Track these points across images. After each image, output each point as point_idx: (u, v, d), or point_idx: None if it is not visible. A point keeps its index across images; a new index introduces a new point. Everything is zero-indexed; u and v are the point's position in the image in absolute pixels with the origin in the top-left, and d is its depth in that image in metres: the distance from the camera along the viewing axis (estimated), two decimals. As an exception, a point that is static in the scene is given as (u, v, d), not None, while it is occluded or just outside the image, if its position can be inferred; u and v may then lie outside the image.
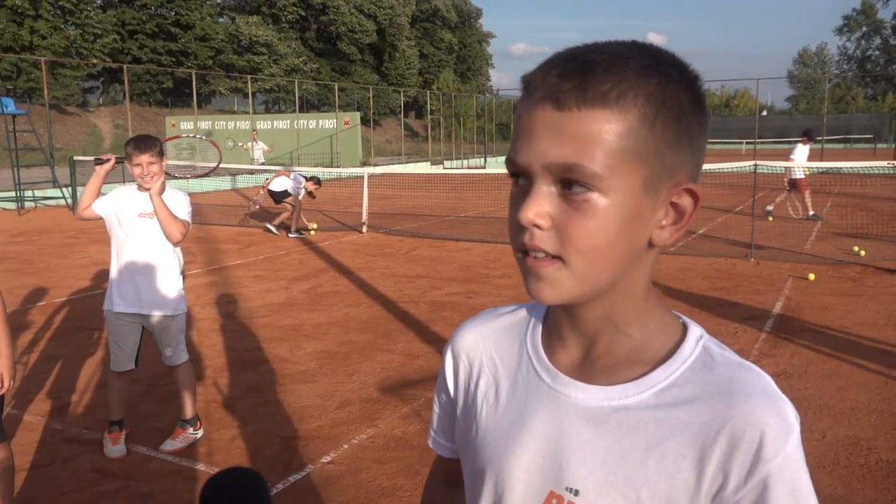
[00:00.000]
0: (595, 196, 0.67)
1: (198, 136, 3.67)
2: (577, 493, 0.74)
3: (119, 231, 3.76)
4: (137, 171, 3.64)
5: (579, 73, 0.67)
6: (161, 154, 3.73)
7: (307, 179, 11.83)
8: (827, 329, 5.92)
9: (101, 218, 3.80)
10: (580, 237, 0.68)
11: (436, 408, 0.97)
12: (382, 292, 7.49)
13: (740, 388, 0.71)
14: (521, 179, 0.71)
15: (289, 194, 11.75)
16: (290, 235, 11.68)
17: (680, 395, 0.72)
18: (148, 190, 3.67)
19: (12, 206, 16.05)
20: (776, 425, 0.68)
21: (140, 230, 3.75)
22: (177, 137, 3.93)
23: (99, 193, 3.81)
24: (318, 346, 5.63)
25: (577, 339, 0.78)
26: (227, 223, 13.45)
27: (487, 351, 0.87)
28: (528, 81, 0.71)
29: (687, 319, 0.79)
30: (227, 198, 18.97)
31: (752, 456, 0.68)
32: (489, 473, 0.81)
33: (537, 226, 0.69)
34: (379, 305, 6.94)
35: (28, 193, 16.60)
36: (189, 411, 3.93)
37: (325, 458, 3.72)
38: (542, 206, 0.68)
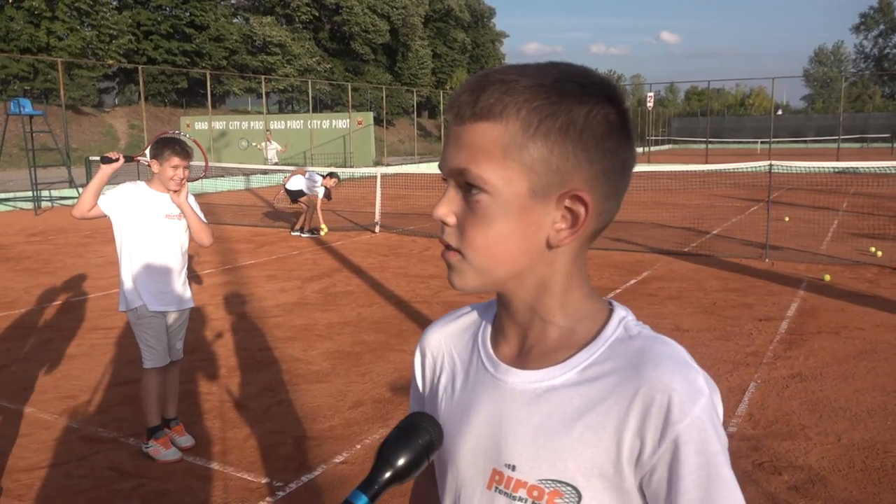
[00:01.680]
0: (485, 197, 0.76)
1: (177, 132, 3.62)
2: (514, 468, 0.81)
3: (141, 231, 3.76)
4: (171, 173, 3.65)
5: (475, 91, 0.76)
6: (190, 157, 3.77)
7: (324, 177, 11.69)
8: (843, 331, 5.86)
9: (105, 216, 3.78)
10: (473, 234, 0.78)
11: (412, 402, 1.05)
12: (395, 292, 7.50)
13: (650, 357, 0.76)
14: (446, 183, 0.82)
15: (304, 193, 11.71)
16: (302, 235, 11.72)
17: (600, 371, 0.79)
18: (173, 192, 3.70)
19: (29, 206, 16.21)
20: (682, 390, 0.73)
21: (168, 232, 3.79)
22: (163, 134, 3.90)
23: (100, 193, 3.80)
24: (331, 346, 5.65)
25: (514, 331, 0.86)
26: (241, 223, 13.52)
27: (448, 348, 0.95)
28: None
29: (617, 305, 0.85)
30: (241, 198, 19.07)
31: (662, 420, 0.73)
32: (446, 458, 0.89)
33: (445, 223, 0.80)
34: (392, 305, 6.96)
35: (45, 193, 16.76)
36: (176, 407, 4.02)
37: (338, 458, 3.73)
38: (449, 206, 0.79)
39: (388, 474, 0.76)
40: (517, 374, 0.83)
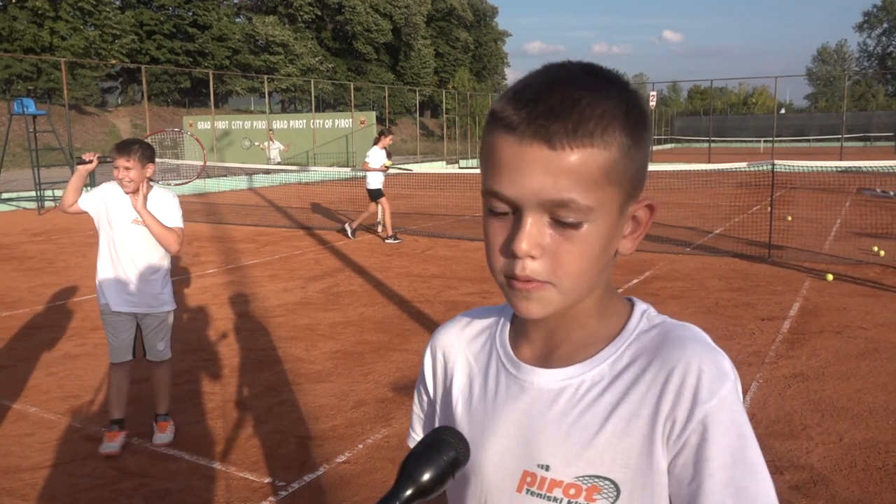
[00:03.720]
0: (587, 226, 0.73)
1: (179, 131, 3.66)
2: (547, 468, 0.80)
3: (110, 233, 3.83)
4: (116, 174, 3.69)
5: (565, 113, 0.70)
6: (144, 159, 3.70)
7: (377, 139, 10.85)
8: (845, 330, 5.86)
9: (87, 212, 3.87)
10: (572, 262, 0.74)
11: (416, 408, 1.02)
12: (398, 292, 7.51)
13: (676, 341, 0.77)
14: (506, 209, 0.75)
15: (382, 192, 10.98)
16: (349, 234, 11.22)
17: (628, 362, 0.79)
18: (131, 195, 3.70)
19: (33, 205, 16.25)
20: (710, 371, 0.74)
21: (134, 237, 3.81)
22: (160, 132, 3.92)
23: (81, 190, 3.87)
24: (334, 346, 5.66)
25: (540, 333, 0.85)
26: (244, 223, 13.54)
27: (462, 351, 0.94)
28: (510, 118, 0.73)
29: (637, 300, 0.86)
30: (244, 197, 19.09)
31: (691, 400, 0.73)
32: (468, 467, 0.85)
33: (532, 256, 0.73)
34: (394, 305, 6.97)
35: (48, 193, 16.78)
36: (167, 405, 4.04)
37: (340, 458, 3.74)
38: (533, 238, 0.73)
39: (410, 490, 0.72)
40: (543, 374, 0.83)
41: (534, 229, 0.73)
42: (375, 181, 10.84)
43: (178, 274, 8.59)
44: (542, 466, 0.80)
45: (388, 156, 10.93)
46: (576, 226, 0.73)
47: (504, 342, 0.89)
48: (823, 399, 4.40)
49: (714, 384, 0.73)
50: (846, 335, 5.73)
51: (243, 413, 4.36)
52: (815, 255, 9.10)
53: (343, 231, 11.45)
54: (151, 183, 3.84)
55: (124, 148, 3.69)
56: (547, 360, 0.84)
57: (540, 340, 0.85)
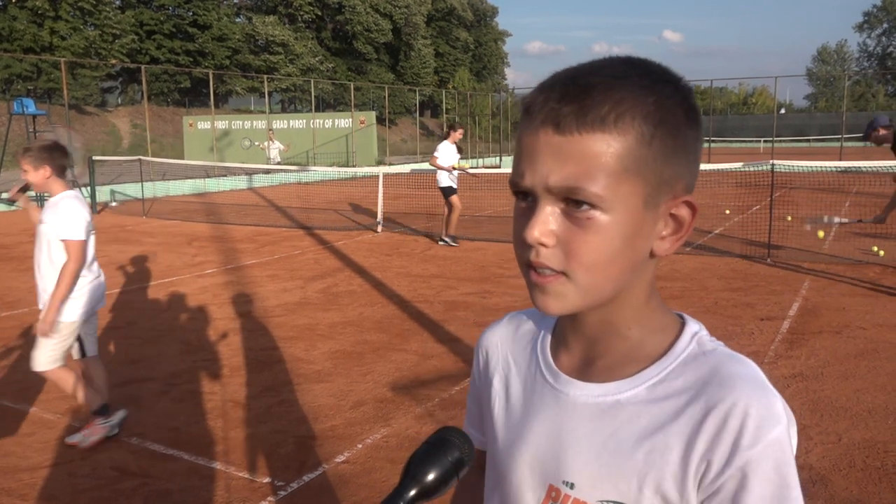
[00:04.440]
0: (598, 214, 0.70)
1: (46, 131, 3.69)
2: (572, 486, 0.77)
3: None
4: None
5: (578, 97, 0.69)
6: (37, 162, 3.69)
7: (446, 134, 10.17)
8: (844, 330, 5.86)
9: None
10: (585, 253, 0.71)
11: (469, 400, 1.03)
12: (397, 292, 7.51)
13: (726, 377, 0.72)
14: (526, 198, 0.74)
15: (454, 190, 10.30)
16: (449, 243, 10.38)
17: (671, 389, 0.74)
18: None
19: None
20: (758, 414, 0.69)
21: (41, 238, 3.82)
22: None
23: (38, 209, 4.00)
24: (333, 346, 5.66)
25: (579, 342, 0.82)
26: (244, 223, 13.54)
27: (504, 352, 0.92)
28: (529, 104, 0.73)
29: (689, 318, 0.82)
30: (244, 197, 19.09)
31: (731, 444, 0.69)
32: (498, 467, 0.86)
33: (542, 244, 0.71)
34: (393, 305, 6.97)
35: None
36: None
37: (340, 458, 3.74)
38: (546, 226, 0.71)
39: (413, 491, 0.71)
40: (581, 387, 0.79)
41: (546, 217, 0.71)
42: (445, 178, 10.23)
43: (178, 274, 8.59)
44: (567, 483, 0.77)
45: (459, 150, 10.33)
46: (588, 213, 0.70)
47: (545, 348, 0.87)
48: (822, 399, 4.40)
49: (761, 429, 0.68)
50: (845, 335, 5.73)
51: (243, 413, 4.36)
52: (815, 255, 9.10)
53: (444, 243, 10.44)
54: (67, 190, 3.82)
55: (22, 152, 3.73)
56: (585, 371, 0.81)
57: (579, 350, 0.82)
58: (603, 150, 0.69)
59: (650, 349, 0.78)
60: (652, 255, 0.75)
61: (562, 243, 0.71)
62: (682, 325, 0.80)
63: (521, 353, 0.90)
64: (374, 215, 12.47)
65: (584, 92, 0.69)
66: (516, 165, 0.74)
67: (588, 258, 0.71)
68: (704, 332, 0.79)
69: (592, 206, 0.69)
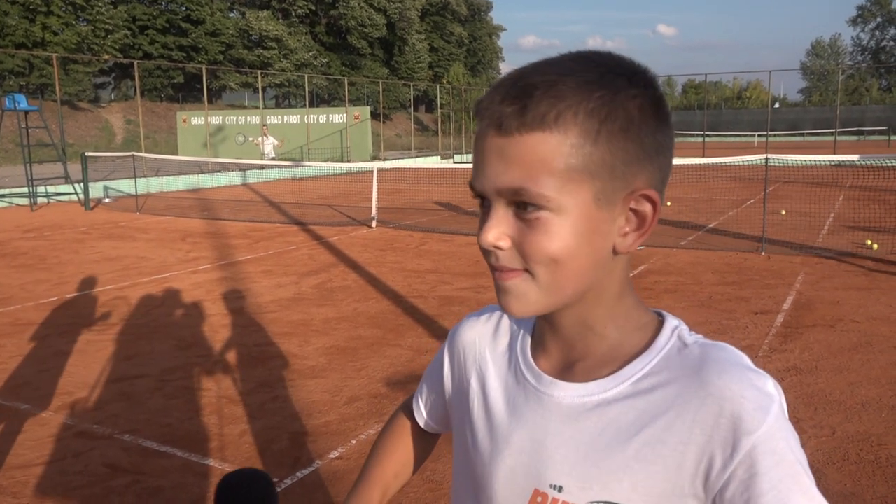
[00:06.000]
0: (546, 214, 0.69)
1: None
2: (560, 489, 0.75)
3: None
4: None
5: (519, 97, 0.68)
6: None
7: None
8: (838, 324, 5.87)
9: None
10: (539, 252, 0.70)
11: (424, 385, 1.02)
12: (391, 287, 7.50)
13: (713, 365, 0.71)
14: (483, 201, 0.73)
15: None
16: None
17: (656, 382, 0.73)
18: None
19: (25, 201, 16.17)
20: (753, 397, 0.68)
21: None
22: None
23: None
24: (327, 342, 5.65)
25: (557, 344, 0.80)
26: (238, 218, 13.50)
27: (481, 350, 0.90)
28: (478, 106, 0.72)
29: (668, 315, 0.80)
30: (238, 193, 19.04)
31: (733, 431, 0.67)
32: (477, 471, 0.83)
33: (498, 247, 0.71)
34: (388, 300, 6.95)
35: (41, 189, 16.71)
36: None
37: (334, 454, 3.73)
38: (499, 228, 0.71)
39: None
40: (564, 388, 0.77)
41: (499, 220, 0.71)
42: None
43: (171, 270, 8.56)
44: (554, 487, 0.75)
45: None
46: (536, 213, 0.69)
47: (525, 348, 0.84)
48: (816, 392, 4.41)
49: (759, 411, 0.67)
50: (839, 329, 5.74)
51: (236, 409, 4.35)
52: (809, 248, 9.12)
53: None
54: None
55: None
56: (566, 373, 0.79)
57: (558, 353, 0.80)
58: (544, 150, 0.67)
59: (629, 347, 0.77)
60: (615, 252, 0.73)
61: (516, 244, 0.71)
62: (661, 321, 0.79)
63: (500, 354, 0.87)
64: (369, 211, 12.45)
65: (524, 92, 0.68)
66: (473, 169, 0.73)
67: (541, 254, 0.70)
68: (684, 327, 0.78)
69: (539, 206, 0.68)
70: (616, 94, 0.68)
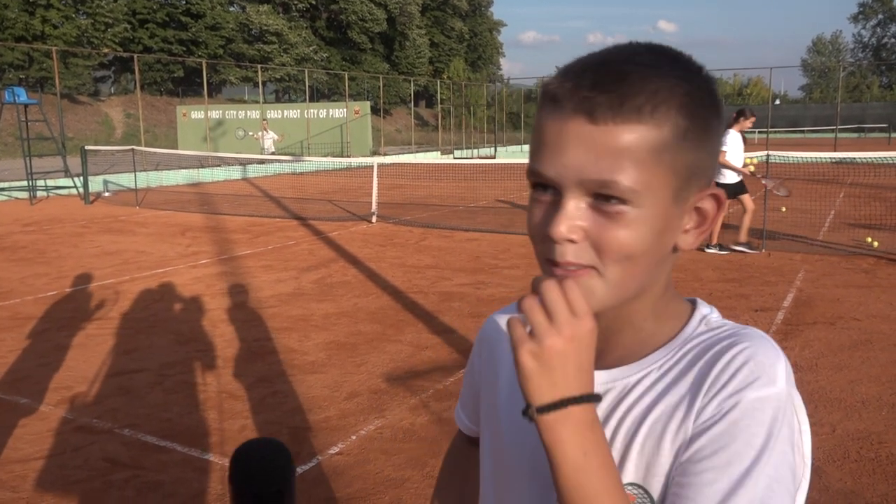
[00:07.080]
0: (628, 209, 0.67)
1: None
2: None
3: None
4: None
5: (614, 85, 0.65)
6: None
7: (736, 121, 8.69)
8: (839, 321, 5.87)
9: None
10: (617, 247, 0.68)
11: (463, 389, 1.03)
12: (391, 282, 7.49)
13: (729, 339, 0.72)
14: (547, 190, 0.70)
15: (744, 189, 8.85)
16: (749, 250, 8.79)
17: (678, 368, 0.74)
18: None
19: (24, 195, 16.15)
20: (757, 366, 0.68)
21: None
22: None
23: None
24: (327, 337, 5.64)
25: None
26: (237, 213, 13.49)
27: (506, 343, 0.89)
28: (555, 91, 0.69)
29: (701, 303, 0.80)
30: (238, 187, 19.02)
31: (720, 389, 0.68)
32: (500, 458, 0.85)
33: (571, 240, 0.68)
34: (388, 296, 6.95)
35: (40, 183, 16.69)
36: None
37: (334, 449, 3.73)
38: (574, 221, 0.67)
39: None
40: None
41: (574, 212, 0.67)
42: (730, 174, 8.81)
43: (171, 264, 8.56)
44: None
45: (743, 140, 8.91)
46: (618, 207, 0.67)
47: None
48: (816, 390, 4.41)
49: (757, 382, 0.67)
50: (839, 326, 5.74)
51: (236, 404, 4.34)
52: (810, 245, 9.12)
53: (742, 250, 8.86)
54: None
55: None
56: (597, 361, 0.79)
57: None
58: (638, 143, 0.65)
59: (661, 336, 0.77)
60: (675, 249, 0.73)
61: (591, 238, 0.68)
62: (693, 310, 0.79)
63: None
64: (369, 206, 12.43)
65: (619, 80, 0.65)
66: (537, 155, 0.70)
67: (619, 253, 0.68)
68: (715, 315, 0.78)
69: (623, 200, 0.66)
70: (697, 91, 0.69)
